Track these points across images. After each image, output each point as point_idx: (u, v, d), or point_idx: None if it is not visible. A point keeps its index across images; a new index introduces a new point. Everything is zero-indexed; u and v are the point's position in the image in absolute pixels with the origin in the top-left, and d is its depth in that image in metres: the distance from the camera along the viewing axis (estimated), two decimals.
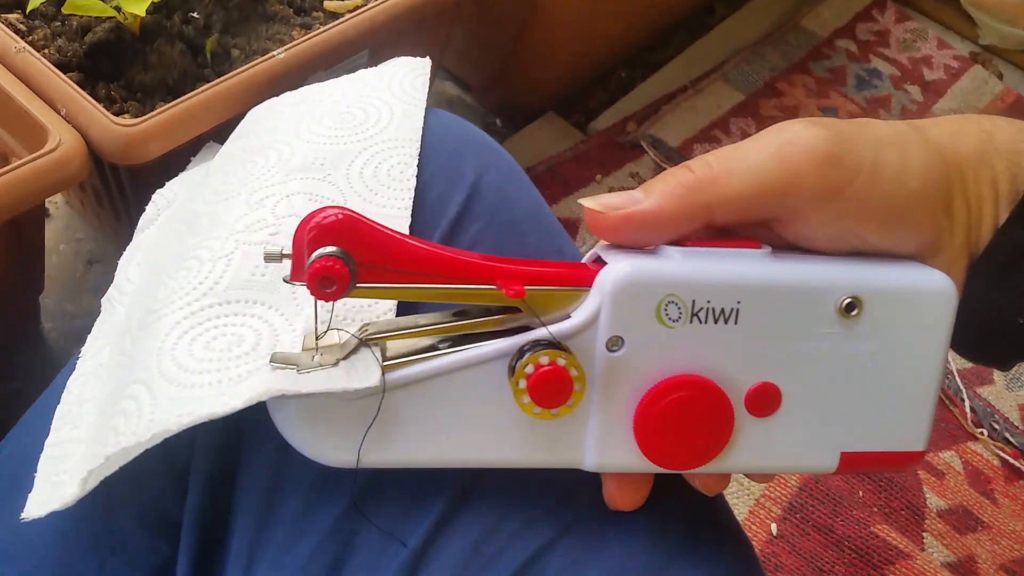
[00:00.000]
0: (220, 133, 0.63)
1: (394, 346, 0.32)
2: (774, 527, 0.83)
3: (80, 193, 0.87)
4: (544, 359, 0.30)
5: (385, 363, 0.31)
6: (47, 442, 0.38)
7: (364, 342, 0.32)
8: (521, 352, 0.30)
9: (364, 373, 0.31)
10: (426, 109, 0.43)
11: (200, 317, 0.36)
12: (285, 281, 0.30)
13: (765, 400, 0.31)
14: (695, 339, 0.30)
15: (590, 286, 0.30)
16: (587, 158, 1.11)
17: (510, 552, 0.33)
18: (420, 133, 0.41)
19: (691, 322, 0.30)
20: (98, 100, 0.63)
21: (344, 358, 0.31)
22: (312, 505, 0.34)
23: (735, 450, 0.31)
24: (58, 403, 0.38)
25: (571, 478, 0.33)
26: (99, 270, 0.91)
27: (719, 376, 0.30)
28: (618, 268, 0.30)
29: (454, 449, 0.32)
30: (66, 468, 0.36)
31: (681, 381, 0.30)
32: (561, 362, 0.29)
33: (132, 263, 0.43)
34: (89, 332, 0.42)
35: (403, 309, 0.37)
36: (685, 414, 0.30)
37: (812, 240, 0.31)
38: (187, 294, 0.36)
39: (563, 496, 0.35)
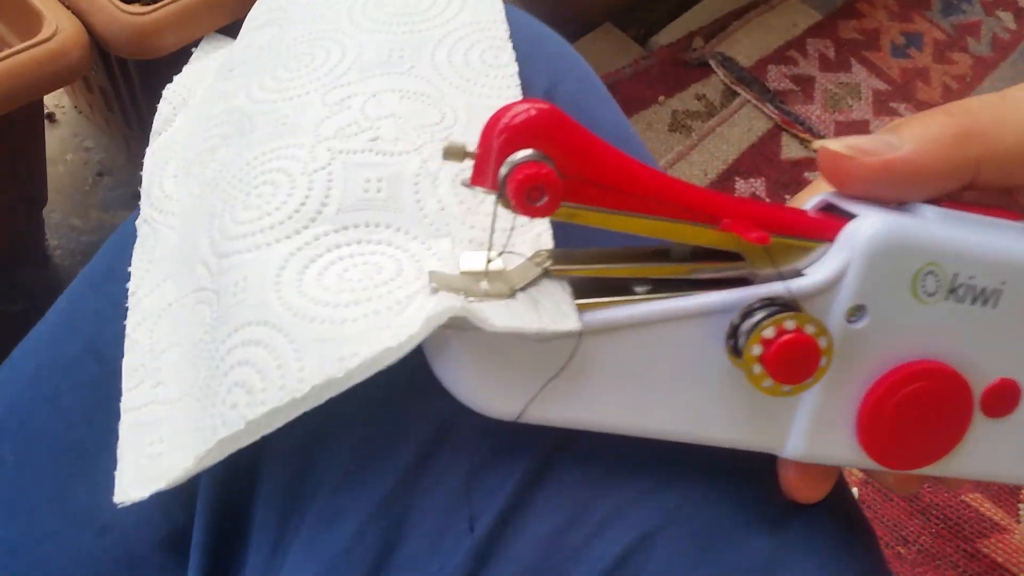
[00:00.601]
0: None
1: (583, 282, 0.27)
2: (855, 491, 0.77)
3: (87, 94, 0.77)
4: (790, 323, 0.24)
5: (578, 301, 0.26)
6: (125, 404, 0.30)
7: (548, 273, 0.27)
8: (748, 311, 0.25)
9: (556, 313, 0.25)
10: None
11: (317, 248, 0.29)
12: (465, 185, 0.25)
13: (1004, 398, 0.28)
14: (947, 320, 0.26)
15: (831, 239, 0.26)
16: (648, 76, 1.01)
17: (600, 544, 0.28)
18: (504, 14, 0.36)
19: (947, 299, 0.26)
20: None
21: (521, 290, 0.26)
22: (353, 477, 0.29)
23: (960, 452, 0.28)
24: (63, 321, 0.35)
25: (678, 449, 0.28)
26: (110, 183, 0.82)
27: (962, 366, 0.27)
28: (874, 223, 0.25)
29: (639, 415, 0.27)
30: (161, 436, 0.28)
31: (924, 368, 0.26)
32: (810, 330, 0.25)
33: (166, 175, 0.35)
34: (98, 250, 0.38)
35: (561, 232, 0.30)
36: (922, 407, 0.27)
37: None
38: (289, 218, 0.30)
39: (669, 474, 0.30)
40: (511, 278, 0.26)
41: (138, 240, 0.35)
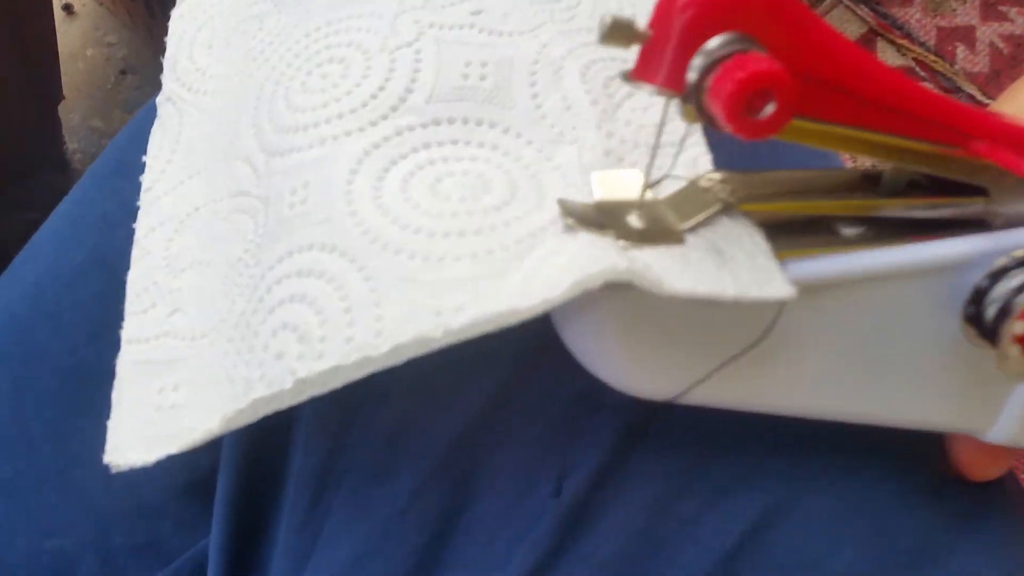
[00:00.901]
0: None
1: (772, 221, 0.21)
2: None
3: None
4: None
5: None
6: (127, 332, 0.23)
7: (728, 207, 0.20)
8: (999, 272, 0.20)
9: (754, 270, 0.19)
10: None
11: (400, 145, 0.22)
12: (624, 79, 0.18)
13: None
14: None
15: None
16: None
17: (714, 518, 0.24)
18: None
19: None
20: None
21: (690, 231, 0.19)
22: (412, 423, 0.25)
23: None
24: (66, 226, 0.31)
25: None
26: (134, 81, 0.75)
27: None
28: None
29: (835, 397, 0.22)
30: (176, 382, 0.21)
31: None
32: None
33: (198, 43, 0.28)
34: None
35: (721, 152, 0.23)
36: None
37: None
38: (364, 105, 0.23)
39: (801, 435, 0.24)
40: (674, 213, 0.20)
41: (157, 122, 0.28)
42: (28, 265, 0.31)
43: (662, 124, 0.19)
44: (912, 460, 0.25)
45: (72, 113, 0.73)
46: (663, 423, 0.24)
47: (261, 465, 0.26)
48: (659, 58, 0.17)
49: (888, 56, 0.90)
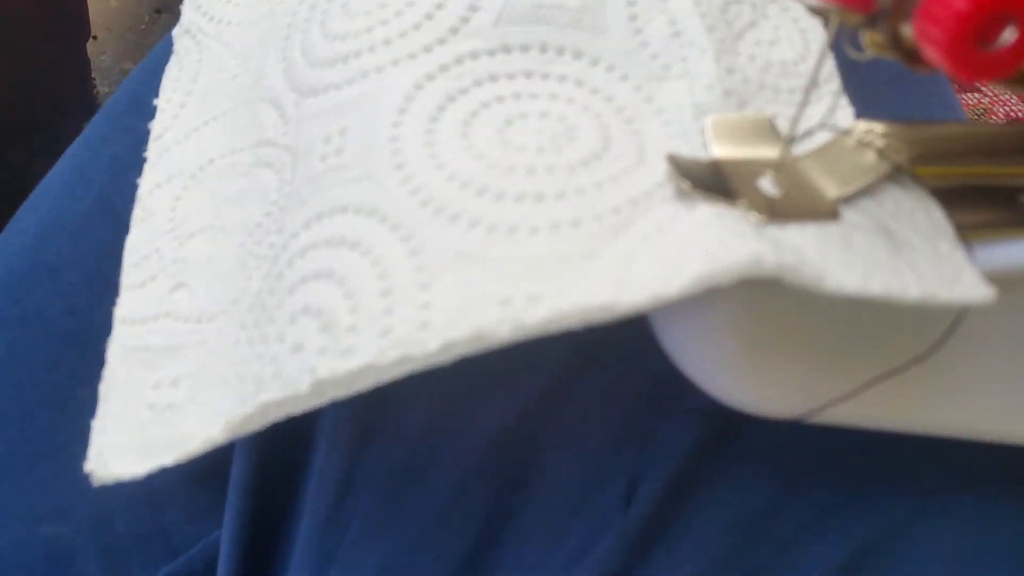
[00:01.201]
0: None
1: (947, 190, 0.16)
2: None
3: None
4: None
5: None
6: (121, 311, 0.19)
7: (903, 170, 0.15)
8: None
9: (937, 261, 0.14)
10: None
11: (460, 78, 0.17)
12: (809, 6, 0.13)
13: None
14: None
15: None
16: None
17: (816, 543, 0.20)
18: None
19: None
20: None
21: (848, 201, 0.15)
22: (453, 411, 0.22)
23: None
24: (74, 169, 0.28)
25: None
26: (169, 20, 0.71)
27: None
28: None
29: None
30: (177, 375, 0.17)
31: None
32: None
33: None
34: None
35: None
36: None
37: None
38: (416, 28, 0.19)
39: (913, 453, 0.21)
40: (825, 176, 0.15)
41: (173, 58, 0.24)
42: (31, 215, 0.28)
43: (822, 56, 0.14)
44: None
45: (103, 55, 0.70)
46: (757, 423, 0.20)
47: (282, 453, 0.23)
48: None
49: None
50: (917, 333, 0.15)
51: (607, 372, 0.21)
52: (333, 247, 0.16)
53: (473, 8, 0.18)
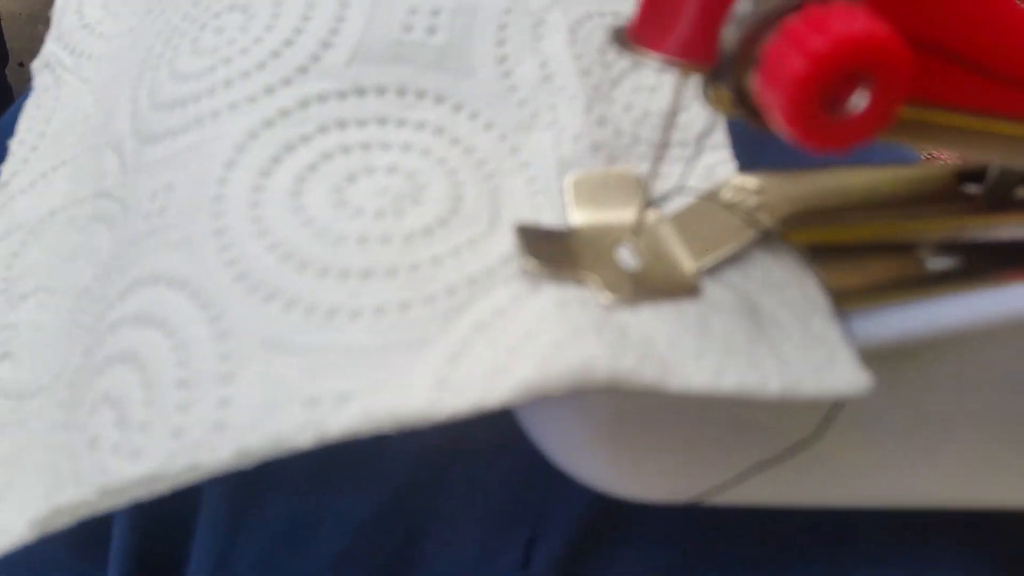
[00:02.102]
0: None
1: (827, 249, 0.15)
2: None
3: None
4: None
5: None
6: None
7: (773, 234, 0.14)
8: None
9: (809, 345, 0.13)
10: None
11: (304, 123, 0.15)
12: (617, 43, 0.12)
13: None
14: None
15: None
16: None
17: None
18: None
19: None
20: None
21: (710, 272, 0.13)
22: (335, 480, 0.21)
23: None
24: None
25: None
26: None
27: None
28: None
29: (926, 482, 0.16)
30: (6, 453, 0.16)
31: None
32: None
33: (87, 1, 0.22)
34: None
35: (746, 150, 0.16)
36: None
37: None
38: (260, 67, 0.17)
39: (828, 518, 0.20)
40: (686, 244, 0.14)
41: (32, 96, 0.22)
42: None
43: (673, 112, 0.12)
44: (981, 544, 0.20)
45: (31, 81, 0.68)
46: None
47: (164, 521, 0.21)
48: (675, 9, 0.10)
49: None
50: (799, 420, 0.13)
51: (499, 431, 0.20)
52: (140, 325, 0.14)
53: (326, 45, 0.17)
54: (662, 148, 0.13)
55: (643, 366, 0.11)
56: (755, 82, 0.10)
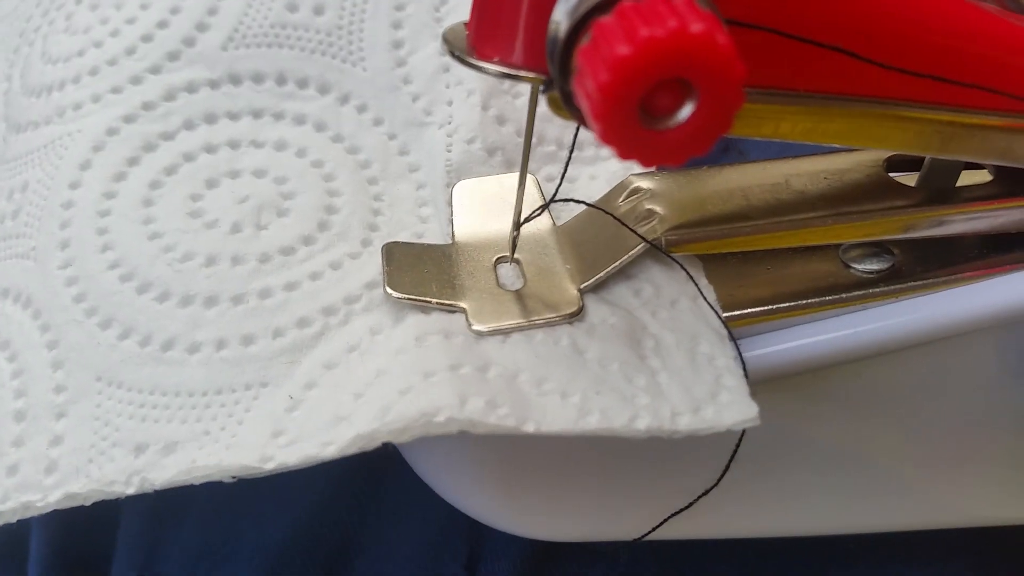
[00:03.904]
0: None
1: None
2: None
3: None
4: None
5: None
6: None
7: (665, 244, 0.13)
8: None
9: (695, 376, 0.12)
10: None
11: (168, 119, 0.15)
12: (456, 58, 0.11)
13: None
14: None
15: None
16: None
17: None
18: None
19: None
20: None
21: (594, 291, 0.13)
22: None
23: None
24: None
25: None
26: None
27: None
28: None
29: (842, 513, 0.16)
30: None
31: None
32: None
33: None
34: None
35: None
36: None
37: None
38: (129, 53, 0.16)
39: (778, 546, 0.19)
40: (570, 260, 0.13)
41: None
42: None
43: (530, 122, 0.11)
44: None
45: None
46: None
47: (83, 533, 0.21)
48: (506, 20, 0.09)
49: None
50: (704, 452, 0.13)
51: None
52: None
53: (202, 27, 0.15)
54: (526, 159, 0.12)
55: (496, 409, 0.10)
56: (575, 91, 0.09)
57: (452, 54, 0.10)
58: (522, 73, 0.10)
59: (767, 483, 0.15)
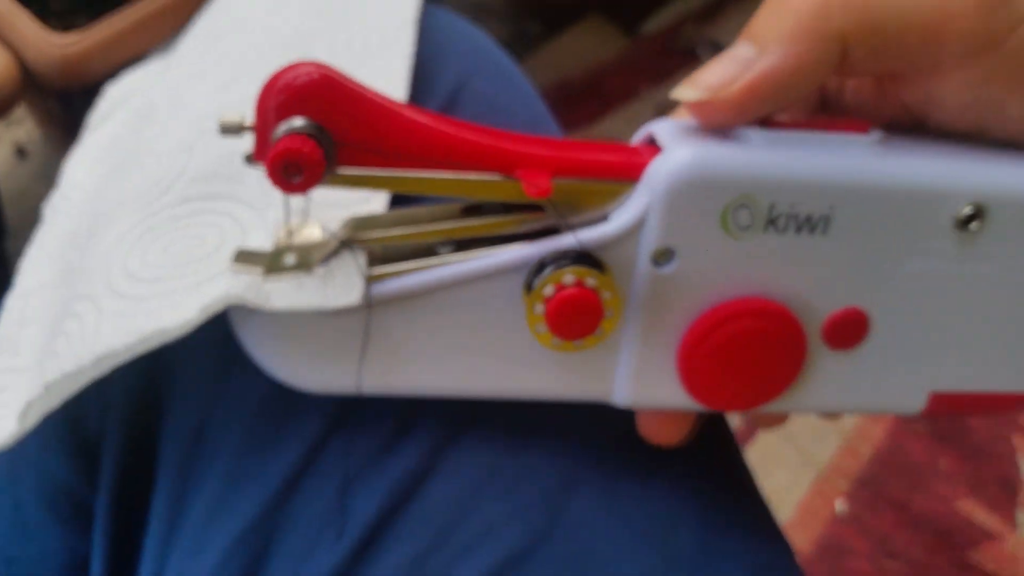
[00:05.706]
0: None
1: (386, 249, 0.28)
2: (839, 504, 0.79)
3: (52, 127, 0.82)
4: (568, 278, 0.25)
5: (372, 271, 0.26)
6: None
7: (345, 243, 0.27)
8: (541, 265, 0.26)
9: (343, 287, 0.26)
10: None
11: (159, 219, 0.30)
12: (247, 162, 0.25)
13: (849, 330, 0.28)
14: (767, 253, 0.26)
15: (637, 179, 0.26)
16: (632, 67, 1.05)
17: (463, 567, 0.29)
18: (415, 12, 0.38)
19: (765, 231, 0.26)
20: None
21: (323, 262, 0.27)
22: (232, 489, 0.30)
23: (803, 387, 0.28)
24: None
25: (557, 465, 0.30)
26: None
27: (793, 300, 0.27)
28: (676, 157, 0.25)
29: (460, 378, 0.28)
30: (4, 401, 0.33)
31: (742, 306, 0.26)
32: (590, 283, 0.25)
33: (80, 166, 0.39)
34: None
35: (402, 201, 0.32)
36: (744, 347, 0.27)
37: (939, 106, 0.27)
38: (145, 193, 0.32)
39: (542, 493, 0.30)
40: (312, 251, 0.27)
41: (41, 225, 0.37)
42: None
43: (286, 197, 0.27)
44: (640, 505, 0.30)
45: (22, 244, 0.85)
46: (429, 487, 0.29)
47: (128, 537, 0.31)
48: (264, 140, 0.24)
49: None
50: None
51: (336, 454, 0.29)
52: (70, 318, 0.28)
53: (176, 178, 0.34)
54: (286, 206, 0.26)
55: (258, 295, 0.24)
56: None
57: (246, 160, 0.24)
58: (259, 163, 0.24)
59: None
